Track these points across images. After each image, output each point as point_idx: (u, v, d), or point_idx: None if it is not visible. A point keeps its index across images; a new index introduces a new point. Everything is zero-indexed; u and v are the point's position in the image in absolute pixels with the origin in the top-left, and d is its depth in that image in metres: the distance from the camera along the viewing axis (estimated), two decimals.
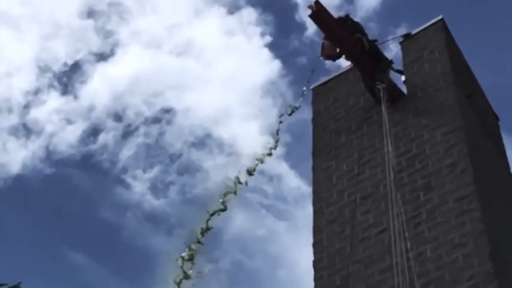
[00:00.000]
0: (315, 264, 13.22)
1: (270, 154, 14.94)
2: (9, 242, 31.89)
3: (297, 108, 15.94)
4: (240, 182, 13.54)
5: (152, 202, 35.09)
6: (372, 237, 12.84)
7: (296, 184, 32.98)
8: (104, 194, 36.67)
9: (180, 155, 35.15)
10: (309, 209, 14.30)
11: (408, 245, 12.06)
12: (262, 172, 14.91)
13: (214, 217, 12.82)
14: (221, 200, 12.97)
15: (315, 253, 13.41)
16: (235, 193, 13.34)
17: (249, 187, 14.40)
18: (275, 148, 15.03)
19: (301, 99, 16.01)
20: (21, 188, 34.83)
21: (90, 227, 34.79)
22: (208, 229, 12.72)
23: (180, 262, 12.51)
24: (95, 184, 36.10)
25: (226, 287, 15.67)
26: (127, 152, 34.69)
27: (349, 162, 14.30)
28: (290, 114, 15.93)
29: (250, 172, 14.02)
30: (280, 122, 15.63)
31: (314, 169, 14.86)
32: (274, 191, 31.26)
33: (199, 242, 12.61)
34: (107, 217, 36.27)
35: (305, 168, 15.37)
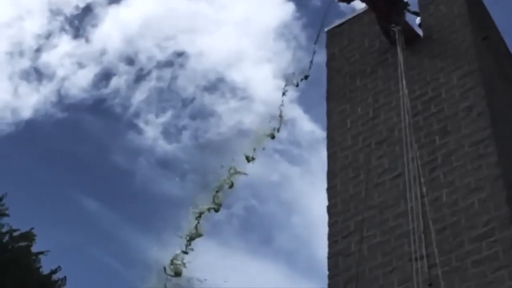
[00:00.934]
0: (329, 209, 13.16)
1: (273, 137, 14.62)
2: (20, 188, 31.97)
3: (306, 78, 15.59)
4: (238, 172, 13.28)
5: (165, 147, 35.10)
6: (387, 182, 12.75)
7: (310, 129, 32.87)
8: (116, 139, 36.67)
9: (192, 99, 35.03)
10: (323, 154, 14.21)
11: (424, 190, 11.97)
12: (275, 117, 14.68)
13: (204, 214, 12.56)
14: (213, 198, 12.70)
15: (329, 198, 13.34)
16: (231, 186, 13.07)
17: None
18: (278, 130, 14.68)
19: (315, 44, 15.74)
20: (32, 133, 34.83)
21: (102, 172, 34.85)
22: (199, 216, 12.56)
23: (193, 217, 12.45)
24: (107, 129, 36.10)
25: (239, 233, 15.65)
26: (139, 96, 34.61)
27: (363, 106, 14.14)
28: (297, 85, 15.59)
29: (248, 159, 13.75)
30: (283, 94, 15.23)
31: (328, 113, 14.71)
32: (288, 135, 31.12)
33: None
34: (119, 162, 36.35)
35: (319, 112, 15.22)
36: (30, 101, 33.68)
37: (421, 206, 11.80)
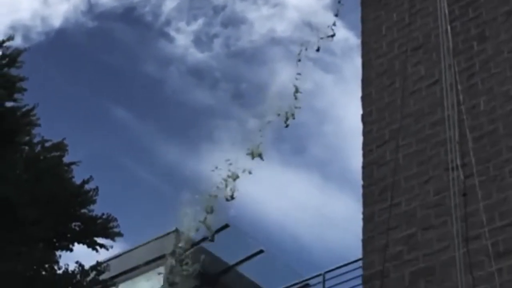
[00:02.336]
0: (364, 118, 12.96)
1: (286, 126, 14.35)
2: (51, 98, 32.03)
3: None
4: (237, 177, 13.13)
5: (196, 55, 34.85)
6: (423, 90, 12.48)
7: (344, 36, 32.22)
8: (147, 47, 36.42)
9: (224, 7, 34.54)
10: (358, 61, 13.92)
11: (461, 97, 11.71)
12: (308, 24, 14.39)
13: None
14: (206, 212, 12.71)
15: (363, 106, 13.13)
16: (231, 198, 13.05)
17: (293, 39, 14.05)
18: (293, 116, 14.36)
19: None
20: (63, 42, 34.67)
21: (133, 81, 34.78)
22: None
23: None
24: (138, 38, 35.85)
25: (272, 143, 15.59)
26: (170, 4, 34.21)
27: (399, 11, 13.73)
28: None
29: (253, 156, 13.51)
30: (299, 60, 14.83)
31: (362, 19, 14.32)
32: (321, 43, 30.54)
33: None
34: (150, 71, 36.20)
35: (354, 18, 14.84)
36: (60, 10, 33.44)
37: (458, 114, 11.58)
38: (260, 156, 13.12)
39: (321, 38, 14.93)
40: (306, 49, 14.79)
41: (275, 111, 13.54)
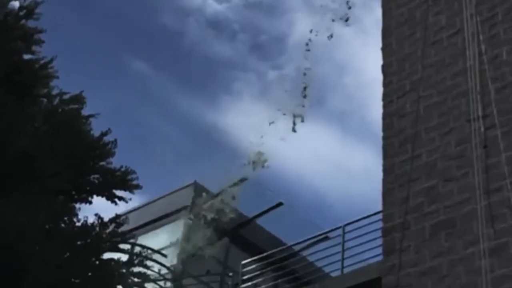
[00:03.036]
0: (384, 69, 12.82)
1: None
2: (70, 51, 31.89)
3: None
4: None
5: (215, 6, 34.54)
6: (445, 40, 12.30)
7: None
8: None
9: None
10: (378, 11, 13.73)
11: (483, 47, 11.54)
12: None
13: None
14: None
15: (384, 57, 12.98)
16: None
17: None
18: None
19: None
20: None
21: (151, 33, 34.55)
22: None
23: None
24: None
25: (291, 94, 15.52)
26: None
27: None
28: None
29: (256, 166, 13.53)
30: None
31: None
32: None
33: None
34: (168, 23, 35.94)
35: None
36: None
37: (479, 64, 11.42)
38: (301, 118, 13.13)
39: None
40: None
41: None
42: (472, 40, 11.67)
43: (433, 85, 11.95)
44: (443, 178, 11.08)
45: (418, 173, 11.39)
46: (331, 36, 14.50)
